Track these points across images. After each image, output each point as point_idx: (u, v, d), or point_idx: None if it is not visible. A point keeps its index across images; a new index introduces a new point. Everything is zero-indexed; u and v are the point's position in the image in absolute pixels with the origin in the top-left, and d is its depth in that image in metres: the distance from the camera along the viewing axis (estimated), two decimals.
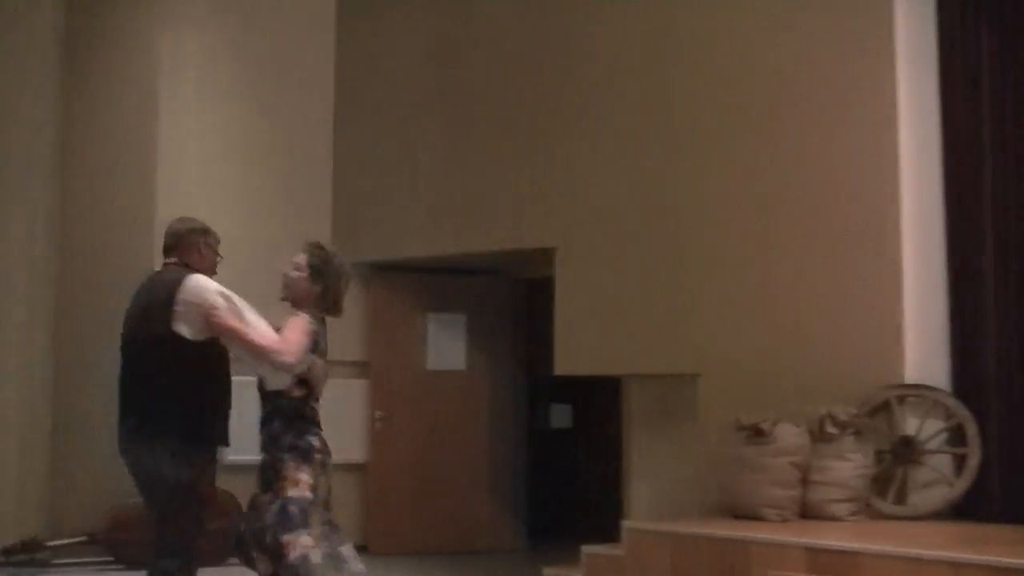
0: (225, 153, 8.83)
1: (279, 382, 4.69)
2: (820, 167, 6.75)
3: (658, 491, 7.42)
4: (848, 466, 6.19)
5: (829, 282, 6.66)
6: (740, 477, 6.27)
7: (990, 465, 6.17)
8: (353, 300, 8.85)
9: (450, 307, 9.32)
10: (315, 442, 4.72)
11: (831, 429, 6.25)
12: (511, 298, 9.54)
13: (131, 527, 7.41)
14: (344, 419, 8.64)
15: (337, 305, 4.88)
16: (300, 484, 4.61)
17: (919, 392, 6.36)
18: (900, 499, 6.32)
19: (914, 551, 4.91)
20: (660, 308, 7.25)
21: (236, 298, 4.68)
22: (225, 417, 4.76)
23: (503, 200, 8.28)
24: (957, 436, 6.27)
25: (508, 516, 9.34)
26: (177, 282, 4.63)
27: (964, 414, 6.22)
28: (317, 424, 4.79)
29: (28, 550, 7.74)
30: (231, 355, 4.78)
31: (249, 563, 4.73)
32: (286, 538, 4.53)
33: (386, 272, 9.16)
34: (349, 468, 8.63)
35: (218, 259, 4.94)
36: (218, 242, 4.97)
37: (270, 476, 4.67)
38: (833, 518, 6.12)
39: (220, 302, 4.60)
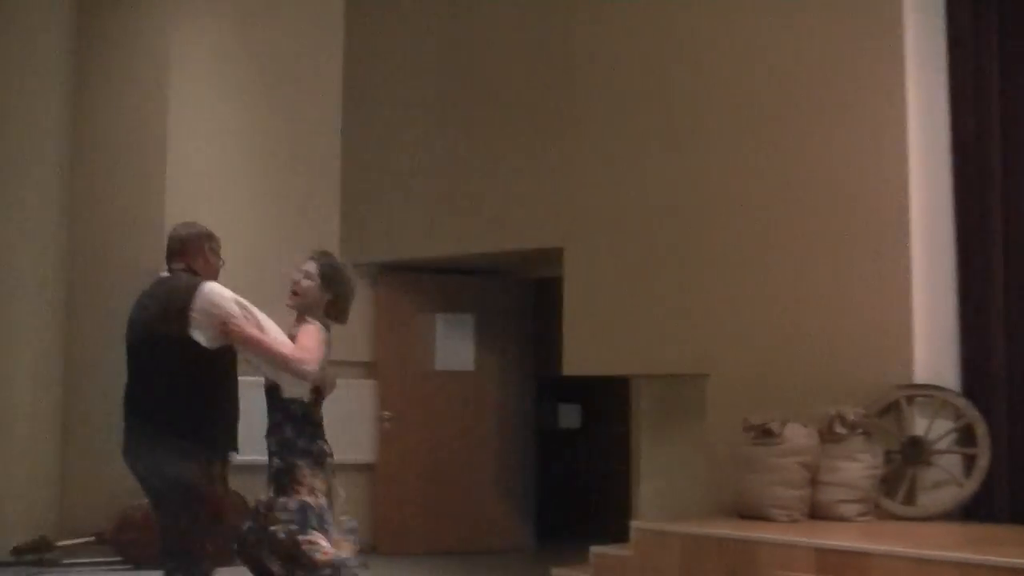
0: (233, 153, 8.84)
1: (297, 390, 4.73)
2: (829, 167, 6.74)
3: (666, 491, 7.41)
4: (857, 466, 6.18)
5: (838, 282, 6.64)
6: (748, 477, 6.26)
7: (1000, 466, 6.15)
8: (361, 300, 8.91)
9: (458, 307, 9.32)
10: (325, 447, 4.80)
11: (840, 429, 6.23)
12: (519, 298, 9.54)
13: (139, 527, 7.41)
14: (352, 419, 8.65)
15: (345, 314, 4.96)
16: (315, 491, 4.68)
17: (928, 392, 6.34)
18: (909, 500, 6.30)
19: (923, 552, 4.90)
20: (668, 308, 7.25)
21: (250, 306, 4.69)
22: (235, 423, 4.75)
23: (511, 200, 8.28)
24: (966, 436, 6.25)
25: (516, 516, 9.34)
26: (192, 288, 4.62)
27: (974, 414, 6.20)
28: (323, 428, 4.86)
29: (37, 550, 7.77)
30: (239, 358, 4.78)
31: (254, 566, 4.74)
32: (303, 538, 4.57)
33: (394, 272, 9.16)
34: (357, 468, 8.64)
35: (221, 263, 4.94)
36: (220, 246, 4.97)
37: (285, 481, 4.70)
38: (842, 519, 6.11)
39: (237, 310, 4.61)
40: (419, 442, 9.06)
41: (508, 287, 9.51)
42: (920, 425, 6.33)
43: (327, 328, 4.85)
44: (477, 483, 9.19)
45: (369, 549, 7.77)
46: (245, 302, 4.68)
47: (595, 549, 6.37)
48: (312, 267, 4.87)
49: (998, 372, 6.25)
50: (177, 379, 4.57)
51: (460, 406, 9.21)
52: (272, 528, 4.64)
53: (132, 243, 8.24)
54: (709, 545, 5.64)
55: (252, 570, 4.79)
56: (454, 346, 9.29)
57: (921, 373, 6.37)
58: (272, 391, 4.78)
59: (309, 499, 4.65)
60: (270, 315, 4.82)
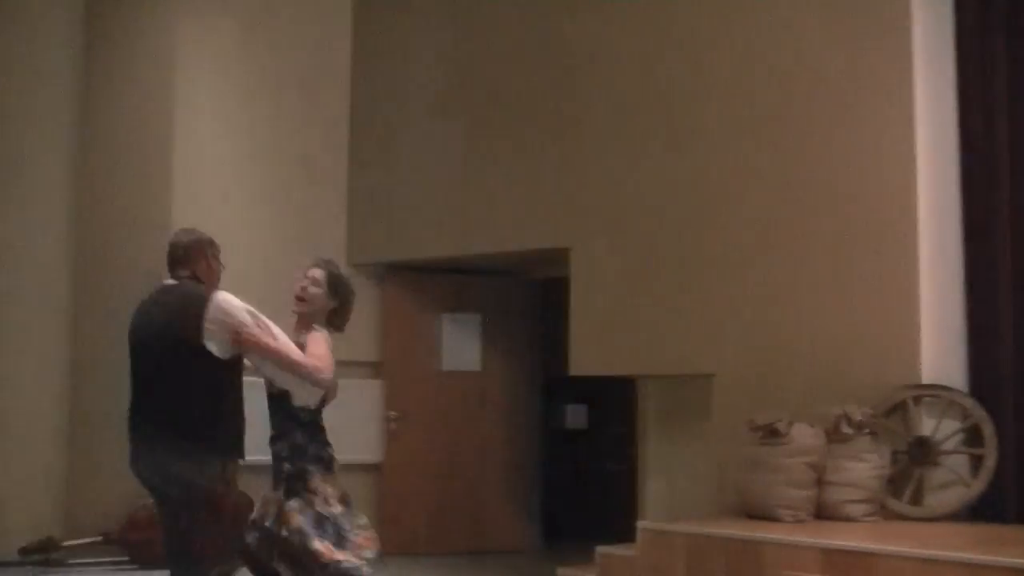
0: (239, 153, 8.85)
1: (309, 398, 4.77)
2: (835, 166, 6.73)
3: (673, 491, 7.41)
4: (864, 467, 6.17)
5: (845, 282, 6.63)
6: (755, 477, 6.25)
7: (1007, 466, 6.14)
8: (367, 300, 8.99)
9: (465, 307, 9.32)
10: (332, 452, 4.84)
11: (846, 429, 6.22)
12: (526, 298, 9.53)
13: (146, 527, 7.42)
14: (358, 419, 8.67)
15: (345, 322, 5.02)
16: (329, 499, 4.72)
17: (935, 392, 6.33)
18: (916, 500, 6.29)
19: (930, 552, 4.88)
20: (674, 308, 7.24)
21: (261, 315, 4.70)
22: (243, 430, 4.76)
23: (517, 200, 8.28)
24: (974, 437, 6.24)
25: (522, 516, 9.34)
26: (204, 299, 4.62)
27: (981, 414, 6.19)
28: (326, 433, 4.91)
29: (44, 550, 7.78)
30: (246, 364, 4.79)
31: (258, 569, 4.75)
32: (317, 546, 4.61)
33: (400, 272, 9.16)
34: (363, 468, 8.65)
35: (222, 269, 4.94)
36: (219, 252, 4.97)
37: (298, 486, 4.72)
38: (848, 519, 6.10)
39: (250, 320, 4.62)
40: (425, 442, 9.06)
41: (514, 287, 9.51)
42: (927, 425, 6.32)
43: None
44: (483, 483, 9.19)
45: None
46: (255, 311, 4.69)
47: (601, 549, 6.36)
48: (319, 274, 4.92)
49: (1005, 372, 6.24)
50: (191, 388, 4.56)
51: (466, 406, 9.21)
52: (282, 534, 4.65)
53: (137, 244, 8.25)
54: (715, 545, 5.63)
55: (256, 573, 4.80)
56: (460, 346, 9.29)
57: (928, 373, 6.36)
58: (279, 398, 4.79)
59: (323, 509, 4.69)
60: (276, 317, 4.84)
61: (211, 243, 4.89)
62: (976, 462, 6.20)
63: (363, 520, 4.86)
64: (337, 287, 4.93)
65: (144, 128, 8.70)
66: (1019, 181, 6.32)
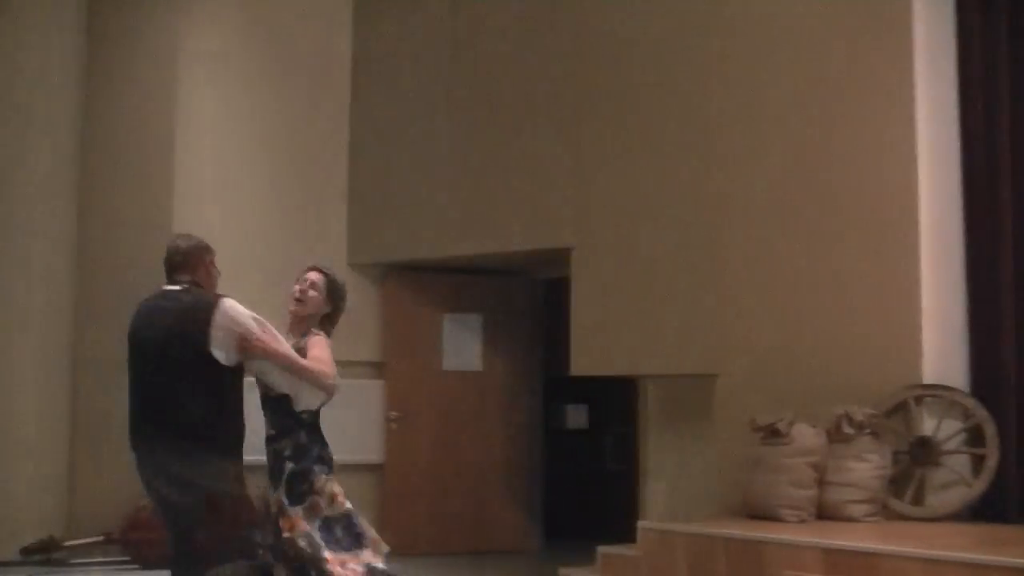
0: (240, 152, 8.84)
1: (313, 401, 4.80)
2: (837, 166, 6.73)
3: (674, 491, 7.40)
4: (865, 467, 6.16)
5: (846, 282, 6.63)
6: (756, 477, 6.25)
7: (1008, 466, 6.14)
8: (369, 300, 9.02)
9: (466, 307, 9.32)
10: (331, 452, 4.86)
11: (848, 429, 6.22)
12: (527, 298, 9.53)
13: (147, 527, 7.43)
14: (360, 419, 8.67)
15: (334, 327, 5.05)
16: (335, 498, 4.74)
17: (937, 392, 6.33)
18: (917, 500, 6.29)
19: (931, 552, 4.88)
20: (676, 308, 7.23)
21: (265, 321, 4.72)
22: (243, 432, 4.76)
23: (519, 200, 8.28)
24: (975, 436, 6.24)
25: (524, 516, 9.33)
26: (211, 306, 4.63)
27: (982, 414, 6.19)
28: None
29: (45, 550, 7.79)
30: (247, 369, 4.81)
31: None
32: (327, 555, 4.63)
33: (402, 272, 9.16)
34: (365, 468, 8.65)
35: (218, 274, 4.95)
36: (215, 256, 4.97)
37: (304, 487, 4.73)
38: (850, 519, 6.10)
39: (256, 328, 4.64)
40: (427, 442, 9.06)
41: (516, 287, 9.50)
42: (929, 425, 6.32)
43: None
44: (484, 483, 9.19)
45: None
46: (260, 318, 4.71)
47: (602, 549, 6.37)
48: (319, 278, 4.97)
49: (1007, 372, 6.24)
50: (194, 391, 4.56)
51: (468, 406, 9.20)
52: (292, 536, 4.67)
53: (138, 244, 8.23)
54: (716, 545, 5.63)
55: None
56: (462, 346, 9.28)
57: (929, 373, 6.36)
58: (277, 399, 4.80)
59: (331, 511, 4.71)
60: (277, 317, 4.86)
61: (208, 248, 4.91)
62: (978, 462, 6.21)
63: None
64: (334, 293, 5.00)
65: (145, 128, 8.70)
66: (1021, 180, 6.33)
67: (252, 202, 8.76)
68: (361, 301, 8.83)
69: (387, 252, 9.01)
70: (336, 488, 4.77)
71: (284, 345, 4.74)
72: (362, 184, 9.14)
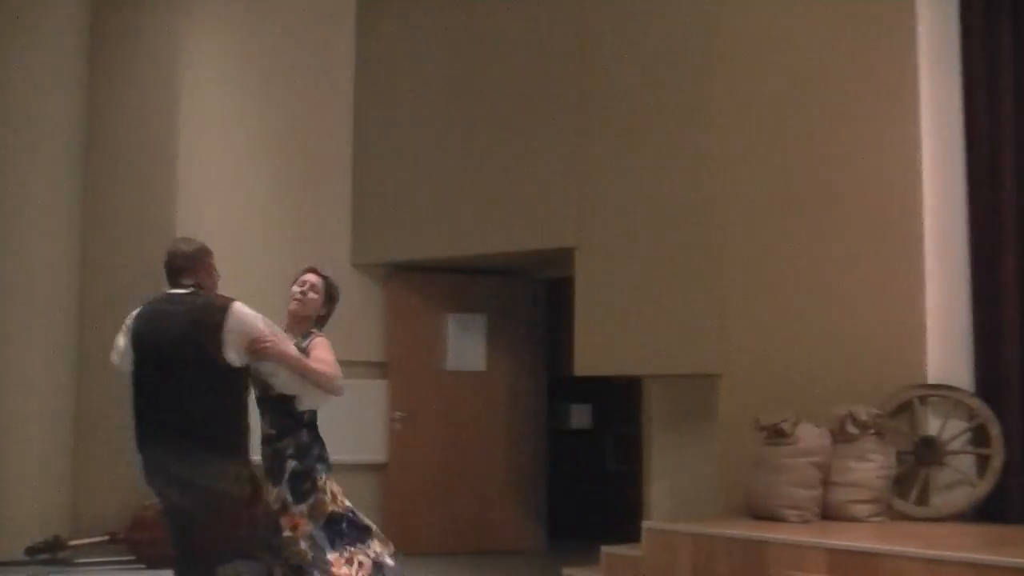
0: (244, 154, 8.85)
1: (316, 402, 4.85)
2: (841, 167, 6.72)
3: (678, 491, 7.39)
4: (869, 467, 6.16)
5: (851, 282, 6.62)
6: (760, 478, 6.25)
7: (1013, 466, 6.13)
8: (372, 300, 9.02)
9: (470, 307, 9.32)
10: (328, 451, 4.90)
11: (852, 429, 6.22)
12: (531, 298, 9.53)
13: (152, 527, 7.43)
14: (363, 420, 8.67)
15: (323, 327, 5.11)
16: (337, 496, 4.80)
17: (941, 392, 6.32)
18: (922, 500, 6.28)
19: (936, 553, 4.88)
20: (680, 308, 7.22)
21: (273, 324, 4.74)
22: (248, 432, 4.77)
23: (523, 200, 8.27)
24: (980, 437, 6.23)
25: (528, 516, 9.33)
26: (222, 309, 4.64)
27: (987, 414, 6.18)
28: None
29: (50, 549, 7.79)
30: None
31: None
32: (331, 557, 4.65)
33: (405, 272, 9.16)
34: (368, 468, 8.65)
35: (218, 277, 4.96)
36: (214, 259, 5.00)
37: (307, 486, 4.76)
38: (854, 519, 6.09)
39: (267, 330, 4.67)
40: (430, 442, 9.06)
41: (520, 287, 9.50)
42: (933, 425, 6.31)
43: None
44: (488, 483, 9.19)
45: None
46: (268, 320, 4.73)
47: (606, 549, 6.36)
48: (318, 280, 5.05)
49: (1012, 371, 6.23)
50: (204, 394, 4.58)
51: (471, 406, 9.20)
52: (293, 536, 4.68)
53: (141, 244, 8.24)
54: (720, 545, 5.63)
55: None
56: (465, 346, 9.28)
57: (934, 373, 6.36)
58: (277, 399, 4.81)
59: (335, 507, 4.76)
60: (279, 316, 4.88)
61: (209, 251, 4.92)
62: (982, 462, 6.20)
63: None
64: (331, 296, 5.09)
65: (147, 128, 8.70)
66: None
67: (255, 202, 8.77)
68: (364, 301, 8.86)
69: (390, 252, 9.01)
70: (336, 487, 4.83)
71: (292, 347, 4.78)
72: (365, 184, 9.14)
